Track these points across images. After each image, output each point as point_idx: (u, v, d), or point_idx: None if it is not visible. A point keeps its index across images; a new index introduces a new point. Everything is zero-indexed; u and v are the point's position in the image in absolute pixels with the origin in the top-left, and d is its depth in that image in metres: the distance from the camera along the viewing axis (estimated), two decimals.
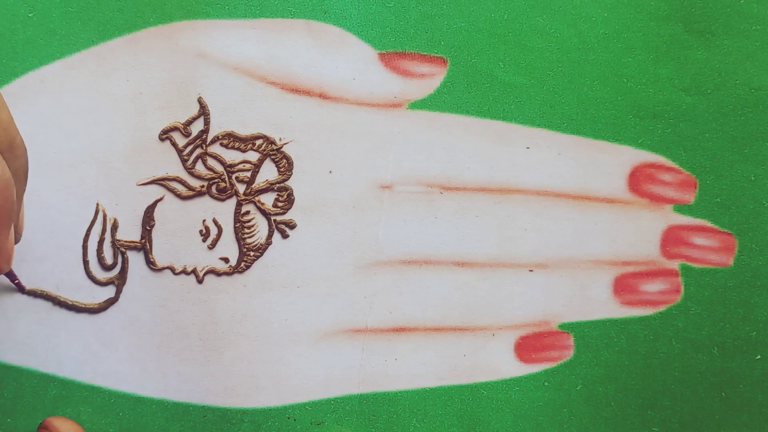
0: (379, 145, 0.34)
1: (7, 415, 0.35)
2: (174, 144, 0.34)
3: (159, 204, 0.34)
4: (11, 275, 0.34)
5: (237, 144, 0.34)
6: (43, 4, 0.34)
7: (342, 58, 0.34)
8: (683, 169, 0.34)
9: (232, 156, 0.34)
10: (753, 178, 0.34)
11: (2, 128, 0.26)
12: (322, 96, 0.34)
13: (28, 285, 0.34)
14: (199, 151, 0.34)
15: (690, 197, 0.34)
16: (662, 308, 0.34)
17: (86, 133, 0.34)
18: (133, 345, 0.35)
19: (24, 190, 0.29)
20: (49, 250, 0.34)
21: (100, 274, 0.35)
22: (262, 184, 0.34)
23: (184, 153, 0.34)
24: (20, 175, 0.28)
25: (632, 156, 0.34)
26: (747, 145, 0.34)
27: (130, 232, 0.35)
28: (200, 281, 0.34)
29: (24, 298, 0.35)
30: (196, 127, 0.34)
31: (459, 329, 0.35)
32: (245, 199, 0.34)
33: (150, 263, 0.35)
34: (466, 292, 0.35)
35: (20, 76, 0.34)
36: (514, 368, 0.35)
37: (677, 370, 0.34)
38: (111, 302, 0.35)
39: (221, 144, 0.34)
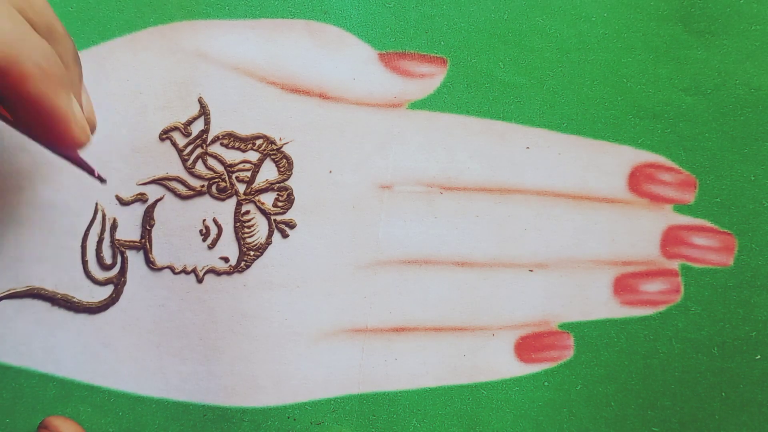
0: (379, 145, 0.34)
1: (7, 415, 0.35)
2: (174, 144, 0.34)
3: (159, 204, 0.34)
4: (86, 167, 0.32)
5: (237, 144, 0.34)
6: None
7: (342, 58, 0.34)
8: (683, 169, 0.34)
9: (232, 156, 0.34)
10: (753, 178, 0.34)
11: (35, 12, 0.27)
12: (322, 96, 0.34)
13: (26, 285, 0.34)
14: (199, 150, 0.34)
15: (690, 197, 0.34)
16: (662, 308, 0.35)
17: None
18: (133, 345, 0.35)
19: (80, 75, 0.30)
20: (49, 250, 0.34)
21: (99, 274, 0.35)
22: (262, 184, 0.34)
23: (185, 153, 0.34)
24: (67, 60, 0.29)
25: (632, 156, 0.34)
26: (747, 145, 0.34)
27: (130, 231, 0.35)
28: (200, 281, 0.34)
29: (22, 299, 0.34)
30: (197, 127, 0.34)
31: (459, 329, 0.35)
32: (245, 199, 0.34)
33: (150, 263, 0.34)
34: (466, 292, 0.35)
35: None
36: (514, 368, 0.35)
37: (677, 370, 0.34)
38: (110, 302, 0.35)
39: (221, 144, 0.34)
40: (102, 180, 0.33)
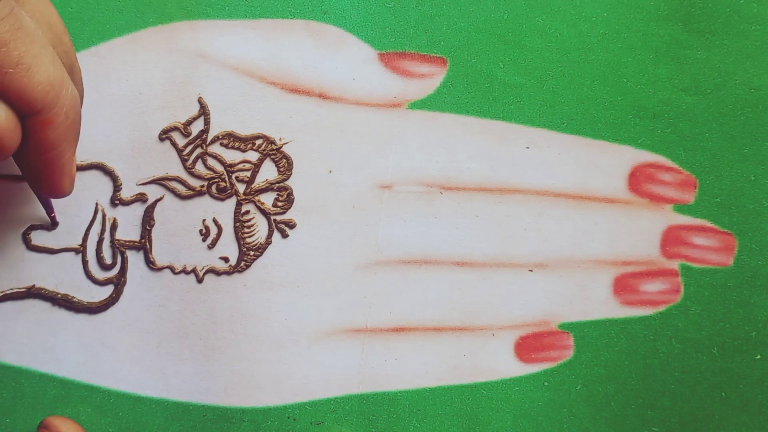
0: (379, 145, 0.34)
1: (7, 415, 0.35)
2: (174, 144, 0.34)
3: (159, 204, 0.34)
4: (49, 206, 0.34)
5: (237, 144, 0.34)
6: None
7: (342, 58, 0.34)
8: (683, 169, 0.34)
9: (232, 156, 0.34)
10: (753, 178, 0.34)
11: (64, 51, 0.28)
12: (322, 96, 0.34)
13: (26, 285, 0.34)
14: (199, 150, 0.34)
15: (690, 197, 0.34)
16: (662, 308, 0.35)
17: (86, 133, 0.34)
18: (133, 345, 0.35)
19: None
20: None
21: (100, 274, 0.35)
22: (262, 184, 0.34)
23: (184, 153, 0.34)
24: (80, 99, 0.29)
25: (632, 156, 0.34)
26: (747, 145, 0.34)
27: (130, 231, 0.35)
28: (200, 281, 0.34)
29: (23, 299, 0.34)
30: (196, 127, 0.34)
31: (459, 329, 0.35)
32: (245, 199, 0.34)
33: (150, 263, 0.34)
34: (466, 292, 0.35)
35: None
36: (514, 368, 0.35)
37: (677, 370, 0.34)
38: (110, 302, 0.35)
39: (221, 144, 0.34)
40: (55, 223, 0.34)
